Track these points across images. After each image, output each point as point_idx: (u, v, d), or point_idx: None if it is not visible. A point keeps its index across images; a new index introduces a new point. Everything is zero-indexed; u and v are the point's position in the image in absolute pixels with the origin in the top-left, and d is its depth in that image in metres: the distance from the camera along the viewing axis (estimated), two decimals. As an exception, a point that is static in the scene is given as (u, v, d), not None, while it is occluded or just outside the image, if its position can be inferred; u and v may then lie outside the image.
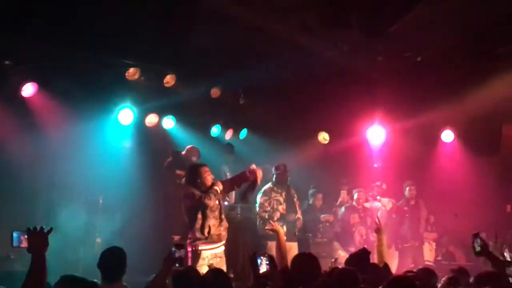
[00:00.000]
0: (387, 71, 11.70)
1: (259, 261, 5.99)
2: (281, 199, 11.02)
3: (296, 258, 6.54)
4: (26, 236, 4.66)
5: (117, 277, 5.91)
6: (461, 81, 11.80)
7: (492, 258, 6.26)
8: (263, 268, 5.93)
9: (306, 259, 6.36)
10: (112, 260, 6.00)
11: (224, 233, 8.76)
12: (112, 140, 11.25)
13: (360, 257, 6.85)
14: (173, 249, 5.32)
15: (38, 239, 4.63)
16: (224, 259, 8.75)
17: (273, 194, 11.00)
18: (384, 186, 13.42)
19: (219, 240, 8.68)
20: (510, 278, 5.96)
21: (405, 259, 12.62)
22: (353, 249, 10.98)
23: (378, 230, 8.34)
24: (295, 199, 11.29)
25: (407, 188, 12.98)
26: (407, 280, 5.53)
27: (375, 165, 14.12)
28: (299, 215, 11.20)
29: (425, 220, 13.07)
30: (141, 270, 7.39)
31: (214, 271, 6.22)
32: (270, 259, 6.15)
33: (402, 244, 12.82)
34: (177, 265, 5.19)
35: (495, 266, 6.18)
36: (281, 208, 10.95)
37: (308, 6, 9.37)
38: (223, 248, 8.77)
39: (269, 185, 11.11)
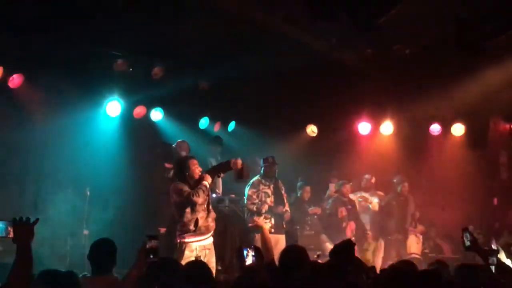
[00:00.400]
0: (375, 64, 11.70)
1: (245, 253, 5.99)
2: (269, 192, 11.01)
3: (285, 250, 6.54)
4: (12, 227, 4.62)
5: (107, 268, 5.84)
6: (449, 74, 11.83)
7: (482, 252, 6.27)
8: (249, 260, 5.92)
9: (295, 251, 6.37)
10: (102, 252, 5.92)
11: (212, 224, 8.73)
12: (99, 132, 11.18)
13: (344, 248, 6.83)
14: (147, 240, 5.28)
15: (24, 230, 4.60)
16: (213, 250, 8.71)
17: (261, 187, 10.99)
18: (373, 180, 13.47)
19: (207, 231, 8.65)
20: (492, 267, 5.97)
21: (388, 252, 12.70)
22: None
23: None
24: (282, 192, 11.29)
25: (400, 185, 12.96)
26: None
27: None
28: (286, 207, 11.20)
29: (411, 215, 13.13)
30: (129, 262, 7.36)
31: (194, 262, 6.20)
32: (256, 251, 6.15)
33: (386, 236, 12.88)
34: (151, 256, 5.15)
35: (485, 260, 6.19)
36: (269, 200, 10.94)
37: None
38: (211, 239, 8.74)
39: (257, 177, 11.09)
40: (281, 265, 6.17)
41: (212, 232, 8.75)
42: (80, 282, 4.73)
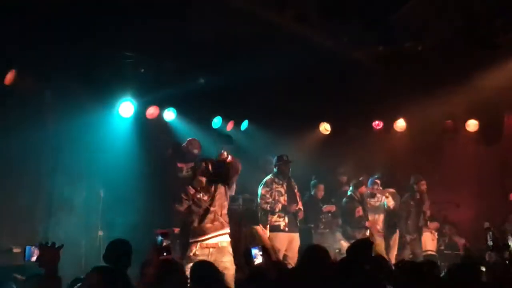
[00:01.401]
0: (388, 61, 11.65)
1: (253, 252, 6.00)
2: (283, 190, 10.99)
3: (307, 250, 6.54)
4: (38, 250, 4.67)
5: (122, 268, 5.90)
6: (462, 71, 11.76)
7: (504, 252, 6.23)
8: (258, 259, 5.94)
9: (317, 252, 6.37)
10: (118, 252, 6.06)
11: (213, 224, 8.72)
12: (113, 133, 11.21)
13: (362, 247, 6.81)
14: (159, 238, 5.28)
15: (50, 254, 4.63)
16: (223, 249, 8.67)
17: (275, 185, 10.97)
18: (377, 180, 13.28)
19: (208, 232, 8.65)
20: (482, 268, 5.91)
21: (403, 251, 12.62)
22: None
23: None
24: (295, 190, 11.26)
25: (420, 183, 12.81)
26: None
27: None
28: (300, 206, 11.17)
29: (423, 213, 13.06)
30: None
31: (198, 263, 6.20)
32: (264, 251, 6.16)
33: (402, 236, 12.81)
34: (165, 254, 5.16)
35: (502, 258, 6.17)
36: (283, 199, 10.91)
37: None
38: (219, 238, 8.70)
39: (270, 176, 11.08)
40: (302, 265, 6.18)
41: (219, 231, 8.72)
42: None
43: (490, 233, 6.14)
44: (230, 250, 8.58)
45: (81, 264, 10.09)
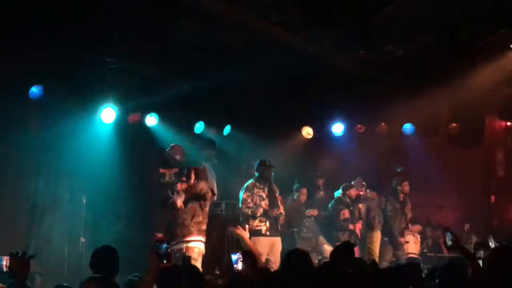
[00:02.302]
0: (369, 66, 11.72)
1: (234, 258, 6.01)
2: (264, 195, 10.99)
3: (288, 255, 6.55)
4: (8, 260, 4.69)
5: (110, 276, 5.82)
6: (443, 74, 11.83)
7: (465, 251, 6.25)
8: (239, 265, 5.94)
9: (299, 256, 6.38)
10: (105, 260, 5.94)
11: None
12: (94, 138, 11.17)
13: (344, 250, 6.84)
14: (164, 245, 5.20)
15: (20, 264, 4.65)
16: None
17: (256, 190, 10.96)
18: (363, 182, 13.34)
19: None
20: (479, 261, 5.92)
21: (386, 253, 12.62)
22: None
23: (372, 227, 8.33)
24: (277, 194, 11.27)
25: (403, 184, 12.84)
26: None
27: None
28: (281, 210, 11.19)
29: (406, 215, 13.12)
30: (127, 268, 7.37)
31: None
32: (245, 255, 6.17)
33: (386, 238, 12.85)
34: (164, 261, 5.10)
35: (468, 259, 6.18)
36: (264, 203, 10.90)
37: (287, 3, 9.38)
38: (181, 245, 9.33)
39: (251, 181, 11.06)
40: (284, 270, 6.18)
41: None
42: None
43: (448, 233, 6.14)
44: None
45: (63, 270, 10.06)
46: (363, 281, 6.02)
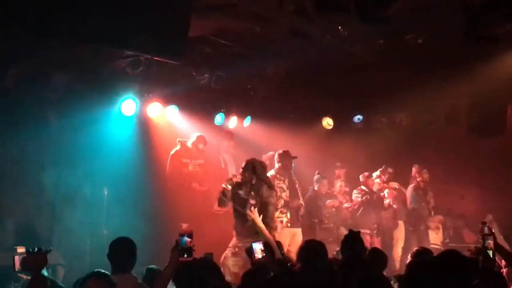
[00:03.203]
0: (388, 55, 11.65)
1: (254, 248, 6.04)
2: (284, 186, 11.00)
3: (303, 244, 6.58)
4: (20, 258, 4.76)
5: (127, 268, 5.88)
6: (464, 63, 11.74)
7: (499, 248, 6.18)
8: (259, 255, 5.96)
9: (313, 245, 6.40)
10: (122, 251, 5.97)
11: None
12: (115, 131, 11.22)
13: (353, 239, 6.83)
14: (184, 238, 5.14)
15: (36, 259, 4.72)
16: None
17: (276, 182, 10.94)
18: (389, 169, 13.43)
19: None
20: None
21: (410, 243, 12.63)
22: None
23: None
24: (296, 185, 11.28)
25: (422, 172, 12.90)
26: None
27: None
28: (301, 201, 11.20)
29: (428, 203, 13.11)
30: (149, 261, 7.42)
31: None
32: (265, 246, 6.20)
33: (409, 227, 12.85)
34: (185, 255, 5.04)
35: (503, 256, 6.14)
36: (285, 195, 10.92)
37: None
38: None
39: (271, 172, 11.06)
40: (299, 259, 6.20)
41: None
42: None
43: (485, 227, 6.06)
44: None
45: (86, 262, 10.13)
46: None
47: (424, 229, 12.89)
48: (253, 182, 9.48)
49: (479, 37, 8.73)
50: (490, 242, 5.84)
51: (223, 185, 9.58)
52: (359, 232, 7.03)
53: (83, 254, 10.38)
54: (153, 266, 6.88)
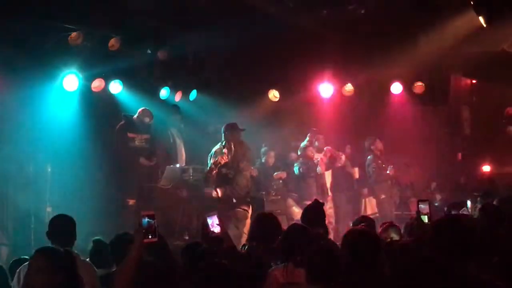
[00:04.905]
0: (332, 25, 11.67)
1: (209, 222, 5.94)
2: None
3: (257, 217, 6.59)
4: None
5: (68, 244, 5.77)
6: (407, 33, 11.84)
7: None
8: (216, 229, 5.89)
9: (267, 218, 6.42)
10: (61, 228, 5.96)
11: None
12: (57, 107, 11.00)
13: (314, 210, 6.84)
14: (145, 220, 5.03)
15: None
16: None
17: (221, 156, 10.91)
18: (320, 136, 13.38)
19: None
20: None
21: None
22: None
23: None
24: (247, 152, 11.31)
25: (376, 142, 13.03)
26: None
27: None
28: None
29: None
30: (95, 234, 7.36)
31: None
32: (220, 219, 6.14)
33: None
34: (149, 236, 4.94)
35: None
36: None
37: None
38: None
39: (218, 145, 11.00)
40: (253, 234, 6.22)
41: None
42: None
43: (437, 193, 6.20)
44: None
45: (30, 240, 9.96)
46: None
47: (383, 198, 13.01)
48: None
49: (422, 8, 8.81)
50: (425, 208, 5.92)
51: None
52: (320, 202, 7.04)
53: (27, 232, 10.18)
54: (99, 237, 6.81)
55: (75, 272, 4.57)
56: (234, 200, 10.63)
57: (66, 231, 5.94)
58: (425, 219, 5.75)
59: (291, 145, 14.00)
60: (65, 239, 5.84)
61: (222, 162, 10.66)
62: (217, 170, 10.71)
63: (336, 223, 12.47)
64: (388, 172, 12.99)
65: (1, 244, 9.43)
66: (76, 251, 5.87)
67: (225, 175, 10.70)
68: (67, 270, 4.48)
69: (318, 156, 12.81)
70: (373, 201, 13.26)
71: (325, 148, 12.87)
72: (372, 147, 13.00)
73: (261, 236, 6.15)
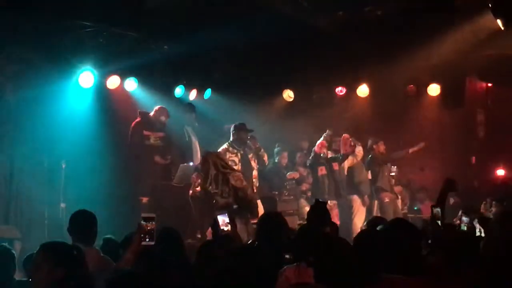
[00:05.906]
0: (348, 27, 11.64)
1: (220, 220, 5.95)
2: (236, 160, 10.96)
3: (262, 217, 6.58)
4: None
5: (89, 241, 5.76)
6: (423, 35, 11.78)
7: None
8: (224, 227, 5.90)
9: (273, 218, 6.41)
10: (82, 223, 5.84)
11: None
12: (73, 103, 11.05)
13: (318, 210, 6.83)
14: (142, 222, 5.02)
15: None
16: None
17: (228, 155, 10.92)
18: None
19: None
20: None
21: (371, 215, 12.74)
22: None
23: None
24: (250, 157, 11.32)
25: (378, 144, 13.00)
26: None
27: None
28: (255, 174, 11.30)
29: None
30: (109, 233, 7.35)
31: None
32: (231, 218, 6.15)
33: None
34: (147, 239, 4.93)
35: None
36: (236, 168, 10.85)
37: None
38: None
39: (224, 145, 11.04)
40: (260, 233, 6.20)
41: None
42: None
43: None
44: None
45: (44, 236, 10.00)
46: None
47: (387, 201, 12.96)
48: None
49: (439, 10, 8.76)
50: (438, 211, 5.93)
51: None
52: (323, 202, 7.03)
53: (41, 228, 10.23)
54: (109, 236, 6.79)
55: (80, 268, 4.52)
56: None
57: (88, 227, 5.84)
58: (439, 223, 5.77)
59: (300, 146, 14.03)
60: (87, 235, 5.78)
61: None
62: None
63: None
64: (392, 174, 12.96)
65: (15, 240, 9.45)
66: (97, 248, 5.88)
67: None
68: (69, 266, 4.43)
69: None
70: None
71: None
72: (374, 146, 13.00)
73: (267, 236, 6.14)
